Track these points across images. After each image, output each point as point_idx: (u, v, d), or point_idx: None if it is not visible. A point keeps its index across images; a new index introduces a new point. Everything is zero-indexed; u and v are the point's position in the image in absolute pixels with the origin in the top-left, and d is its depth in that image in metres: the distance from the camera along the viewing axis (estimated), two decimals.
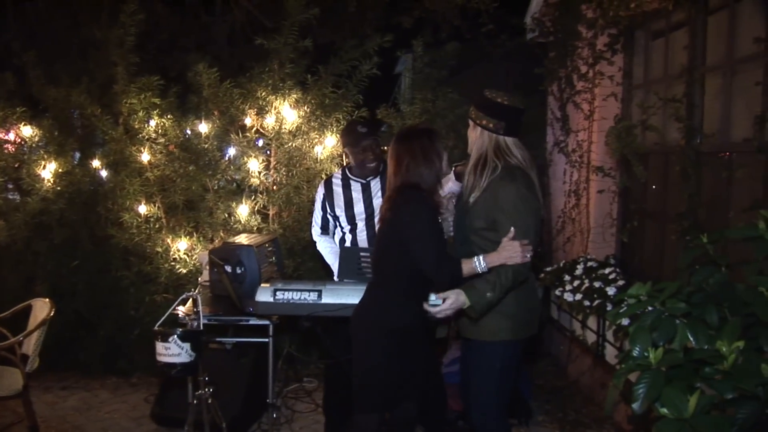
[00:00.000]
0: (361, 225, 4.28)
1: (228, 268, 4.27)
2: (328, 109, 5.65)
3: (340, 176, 4.43)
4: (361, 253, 3.88)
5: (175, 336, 3.61)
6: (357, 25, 8.92)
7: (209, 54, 7.41)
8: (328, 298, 3.78)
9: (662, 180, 4.76)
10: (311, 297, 3.82)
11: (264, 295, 3.88)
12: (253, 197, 5.70)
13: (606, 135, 4.29)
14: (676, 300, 1.94)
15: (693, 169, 4.17)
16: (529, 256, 3.08)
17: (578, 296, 4.73)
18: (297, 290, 3.85)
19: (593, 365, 5.06)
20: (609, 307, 4.41)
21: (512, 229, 3.04)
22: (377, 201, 4.22)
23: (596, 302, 4.52)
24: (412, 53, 6.12)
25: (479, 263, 3.09)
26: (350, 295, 3.73)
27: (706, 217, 4.14)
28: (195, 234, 5.72)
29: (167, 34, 9.77)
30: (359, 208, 4.28)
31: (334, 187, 4.39)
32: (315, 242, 4.56)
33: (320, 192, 4.47)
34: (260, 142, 5.73)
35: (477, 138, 3.19)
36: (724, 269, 2.05)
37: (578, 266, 5.21)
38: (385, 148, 6.52)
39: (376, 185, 4.28)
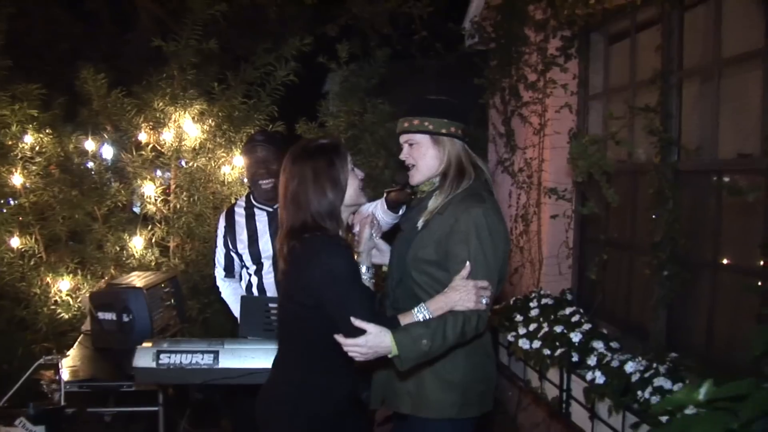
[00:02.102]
0: (267, 265, 3.49)
1: (111, 316, 3.54)
2: (237, 122, 4.84)
3: (243, 204, 3.61)
4: (269, 304, 3.04)
5: (23, 418, 2.72)
6: (278, 36, 8.13)
7: (117, 68, 6.49)
8: (227, 362, 2.94)
9: (629, 203, 4.09)
10: (205, 360, 2.97)
11: (144, 358, 2.99)
12: (149, 227, 4.80)
13: (570, 151, 3.58)
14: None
15: (671, 191, 3.50)
16: (485, 302, 2.31)
17: (536, 343, 3.98)
18: (187, 352, 2.98)
19: (550, 418, 4.32)
20: (575, 358, 3.68)
21: (467, 263, 2.32)
22: None
23: (558, 351, 3.78)
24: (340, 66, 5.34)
25: (422, 314, 2.31)
26: (256, 358, 2.93)
27: (687, 247, 3.47)
28: (80, 271, 4.78)
29: (68, 43, 8.81)
30: (265, 243, 3.48)
31: (236, 218, 3.59)
32: (218, 287, 3.71)
33: (221, 224, 3.65)
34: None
35: (440, 150, 2.53)
36: None
37: (531, 303, 4.48)
38: None
39: None
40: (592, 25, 4.52)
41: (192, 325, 4.73)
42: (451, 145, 2.52)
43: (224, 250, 3.63)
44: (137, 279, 3.83)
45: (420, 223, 2.51)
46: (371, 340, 2.21)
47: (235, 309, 3.56)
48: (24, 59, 8.37)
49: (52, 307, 4.69)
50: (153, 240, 4.81)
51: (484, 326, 2.36)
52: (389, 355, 2.24)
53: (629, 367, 3.21)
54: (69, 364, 3.50)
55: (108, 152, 4.87)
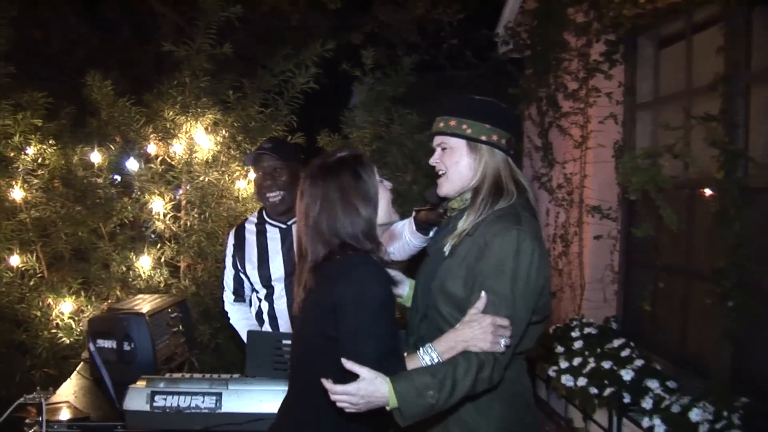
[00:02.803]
0: (279, 288, 3.12)
1: (111, 344, 3.15)
2: (253, 133, 4.48)
3: (255, 219, 3.24)
4: (280, 340, 2.65)
5: None
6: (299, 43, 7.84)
7: (134, 77, 6.21)
8: (231, 405, 2.57)
9: (686, 224, 3.66)
10: (206, 404, 2.60)
11: (136, 399, 2.63)
12: (159, 246, 4.45)
13: (620, 166, 3.18)
14: None
15: (737, 210, 3.08)
16: (504, 343, 1.90)
17: (581, 380, 3.56)
18: (186, 393, 2.62)
19: None
20: (626, 398, 3.26)
21: (483, 295, 1.92)
22: None
23: (607, 391, 3.35)
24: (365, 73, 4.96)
25: (429, 357, 1.91)
26: (264, 401, 2.56)
27: (757, 274, 3.05)
28: (84, 293, 4.45)
29: (84, 52, 8.56)
30: (276, 264, 3.11)
31: (246, 235, 3.23)
32: (227, 312, 3.35)
33: (229, 242, 3.29)
34: None
35: (476, 160, 2.13)
36: None
37: (573, 333, 4.06)
38: None
39: None
40: (640, 27, 4.16)
41: (203, 353, 4.38)
42: (490, 156, 2.11)
43: (233, 271, 3.27)
44: (141, 303, 3.49)
45: (447, 248, 2.12)
46: (364, 388, 1.80)
47: (244, 335, 3.20)
48: (42, 68, 8.19)
49: (53, 330, 4.36)
50: (162, 260, 4.46)
51: (499, 376, 1.93)
52: (387, 407, 1.84)
53: (695, 414, 2.79)
54: (60, 398, 3.16)
55: (133, 165, 4.51)
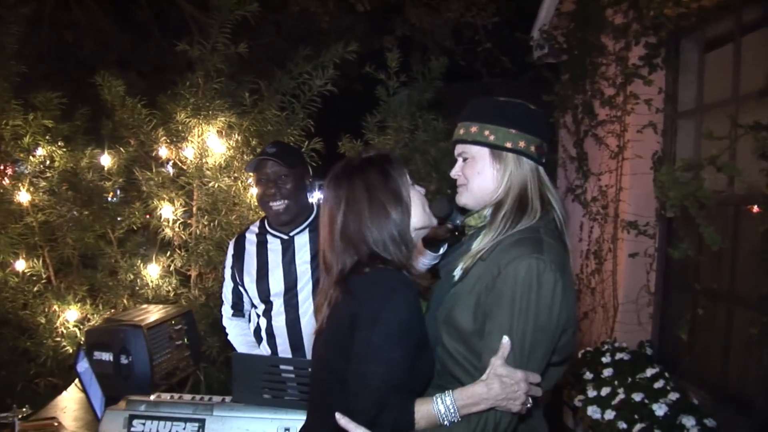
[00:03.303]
0: (277, 304, 2.89)
1: (108, 357, 3.00)
2: (268, 137, 4.26)
3: (256, 229, 3.02)
4: (269, 365, 2.41)
5: None
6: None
7: (165, 79, 6.06)
8: None
9: (730, 244, 3.34)
10: (188, 430, 2.38)
11: (112, 424, 2.42)
12: (168, 254, 4.26)
13: (657, 179, 2.88)
14: None
15: None
16: (530, 401, 1.64)
17: (609, 413, 3.25)
18: (167, 419, 2.40)
19: None
20: None
21: (505, 340, 1.63)
22: (303, 267, 2.85)
23: (637, 426, 3.04)
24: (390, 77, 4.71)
25: (444, 406, 1.63)
26: (251, 429, 2.34)
27: None
28: (90, 300, 4.28)
29: (116, 54, 8.50)
30: (275, 277, 2.88)
31: (246, 245, 3.00)
32: (224, 327, 3.14)
33: (229, 253, 3.08)
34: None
35: (500, 170, 1.87)
36: None
37: (603, 358, 3.75)
38: None
39: (302, 242, 2.88)
40: (683, 28, 3.86)
41: (211, 367, 4.18)
42: (515, 165, 1.85)
43: (232, 284, 3.06)
44: (142, 314, 3.32)
45: (457, 272, 1.85)
46: None
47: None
48: (74, 71, 8.14)
49: (57, 338, 4.20)
50: (171, 268, 4.27)
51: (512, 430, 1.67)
52: None
53: None
54: (48, 413, 2.97)
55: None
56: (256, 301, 2.93)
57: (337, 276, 1.77)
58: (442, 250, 2.41)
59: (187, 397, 2.80)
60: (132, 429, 2.37)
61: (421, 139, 4.60)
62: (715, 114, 3.67)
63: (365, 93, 4.99)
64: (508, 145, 1.83)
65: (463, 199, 1.94)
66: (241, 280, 2.97)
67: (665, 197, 2.83)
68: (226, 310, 3.11)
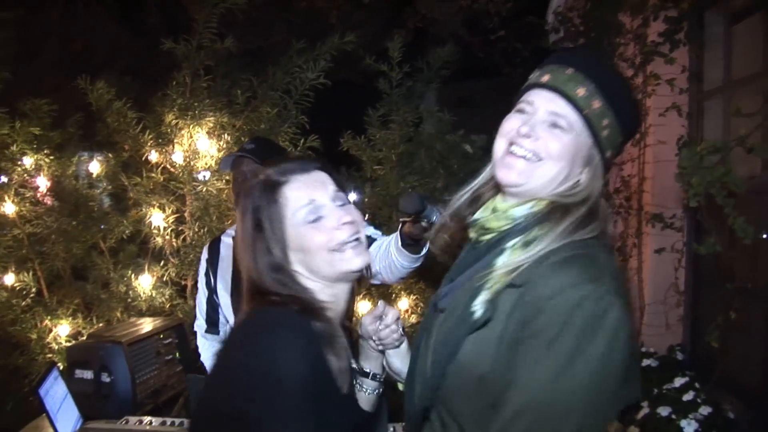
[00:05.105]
0: None
1: (88, 375, 2.87)
2: (260, 136, 4.00)
3: (233, 233, 2.76)
4: None
5: None
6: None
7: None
8: None
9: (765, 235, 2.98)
10: None
11: None
12: (162, 263, 4.05)
13: (679, 164, 2.54)
14: None
15: None
16: None
17: (632, 430, 2.92)
18: None
19: None
20: None
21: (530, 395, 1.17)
22: None
23: None
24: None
25: None
26: None
27: None
28: (82, 314, 4.09)
29: (126, 61, 8.38)
30: None
31: (222, 250, 2.76)
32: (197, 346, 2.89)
33: (203, 258, 2.84)
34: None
35: (593, 169, 1.35)
36: None
37: None
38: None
39: None
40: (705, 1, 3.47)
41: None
42: (600, 164, 1.36)
43: (206, 293, 2.81)
44: (128, 328, 3.18)
45: (479, 306, 1.27)
46: None
47: None
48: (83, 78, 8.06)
49: (49, 354, 3.99)
50: (165, 278, 4.05)
51: None
52: None
53: None
54: None
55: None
56: (229, 312, 2.67)
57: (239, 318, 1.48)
58: (424, 251, 2.11)
59: (157, 421, 2.57)
60: None
61: (426, 132, 4.31)
62: (746, 91, 3.32)
63: (372, 88, 4.72)
64: (621, 139, 1.39)
65: (521, 178, 1.34)
66: (215, 287, 2.71)
67: (687, 185, 2.49)
68: (200, 325, 2.86)
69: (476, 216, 1.41)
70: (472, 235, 1.43)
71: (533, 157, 1.32)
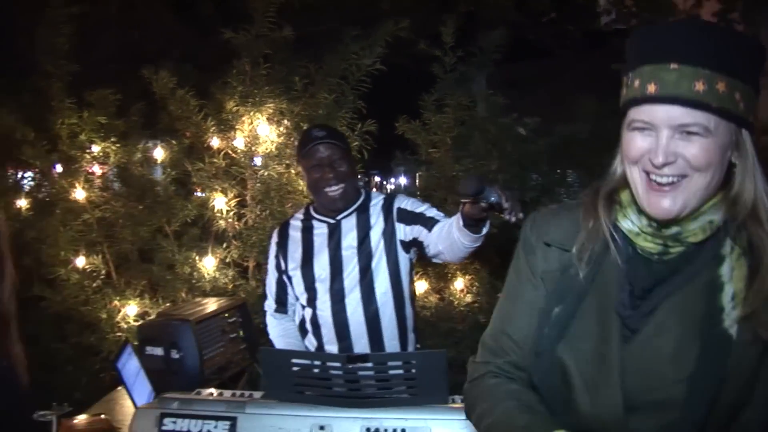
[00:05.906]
0: (322, 292, 2.74)
1: (159, 352, 2.96)
2: (319, 122, 4.12)
3: (301, 216, 2.89)
4: (294, 360, 2.27)
5: None
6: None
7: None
8: (246, 431, 2.21)
9: None
10: (220, 429, 2.27)
11: (144, 422, 2.31)
12: (225, 245, 4.20)
13: None
14: None
15: None
16: None
17: None
18: (198, 417, 2.28)
19: None
20: None
21: None
22: (348, 252, 2.71)
23: None
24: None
25: None
26: (283, 428, 2.19)
27: None
28: (149, 294, 4.27)
29: (180, 51, 8.57)
30: (321, 262, 2.75)
31: (291, 232, 2.87)
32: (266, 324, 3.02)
33: (272, 241, 2.95)
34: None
35: (745, 163, 1.19)
36: None
37: None
38: (418, 175, 5.05)
39: (349, 226, 2.74)
40: None
41: None
42: (746, 133, 1.18)
43: (276, 274, 2.92)
44: (194, 308, 3.26)
45: (732, 324, 1.16)
46: None
47: None
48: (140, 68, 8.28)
49: (119, 333, 4.21)
50: (227, 260, 4.20)
51: None
52: None
53: None
54: (100, 408, 2.92)
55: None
56: (300, 289, 2.79)
57: None
58: (484, 230, 2.20)
59: (227, 393, 2.69)
60: (163, 428, 2.27)
61: (479, 116, 4.37)
62: None
63: (424, 72, 4.79)
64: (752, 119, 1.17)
65: (675, 205, 1.17)
66: (286, 266, 2.84)
67: None
68: (269, 305, 2.98)
69: (685, 227, 1.21)
70: (648, 244, 1.23)
71: (678, 178, 1.16)
